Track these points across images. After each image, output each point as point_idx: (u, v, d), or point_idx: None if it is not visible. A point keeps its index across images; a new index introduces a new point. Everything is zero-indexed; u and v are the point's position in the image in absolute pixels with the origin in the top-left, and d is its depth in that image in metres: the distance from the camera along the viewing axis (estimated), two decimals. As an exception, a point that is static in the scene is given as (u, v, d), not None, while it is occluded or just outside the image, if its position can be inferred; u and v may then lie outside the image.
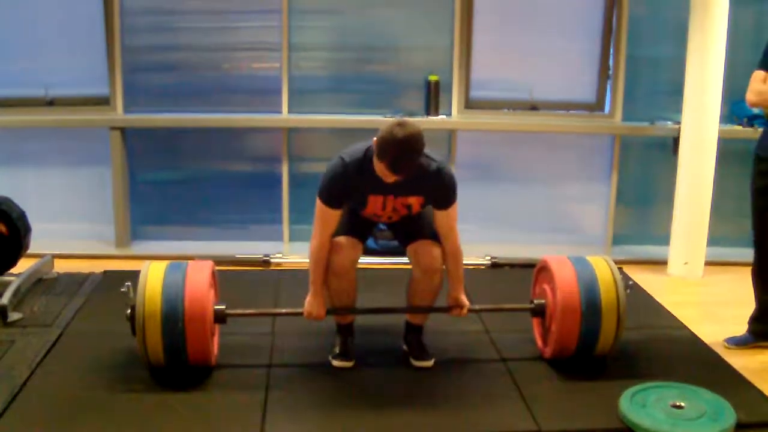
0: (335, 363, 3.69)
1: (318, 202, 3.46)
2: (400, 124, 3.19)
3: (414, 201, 3.49)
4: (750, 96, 3.85)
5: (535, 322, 3.93)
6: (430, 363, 3.72)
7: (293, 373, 3.66)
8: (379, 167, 3.25)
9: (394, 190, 3.39)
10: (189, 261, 3.67)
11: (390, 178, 3.25)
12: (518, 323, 4.05)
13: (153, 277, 3.47)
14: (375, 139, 3.24)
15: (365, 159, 3.35)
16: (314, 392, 3.46)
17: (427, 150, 3.31)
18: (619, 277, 3.68)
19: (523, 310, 3.87)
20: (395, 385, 3.56)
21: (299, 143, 5.78)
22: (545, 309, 3.76)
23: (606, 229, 5.93)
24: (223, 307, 3.62)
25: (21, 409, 3.21)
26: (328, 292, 3.62)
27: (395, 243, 3.80)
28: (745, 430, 3.15)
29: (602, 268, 3.71)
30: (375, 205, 3.49)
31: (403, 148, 3.16)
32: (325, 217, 3.47)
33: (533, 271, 3.97)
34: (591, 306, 3.59)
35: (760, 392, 3.50)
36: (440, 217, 3.52)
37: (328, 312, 3.62)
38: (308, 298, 3.58)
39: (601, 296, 3.60)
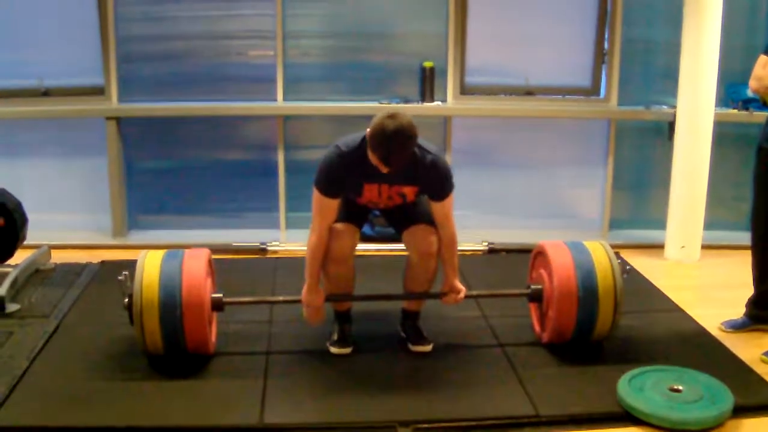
0: (333, 350, 3.69)
1: (315, 192, 3.44)
2: (391, 117, 3.17)
3: (408, 190, 3.50)
4: (750, 81, 3.83)
5: (533, 308, 3.94)
6: (428, 348, 3.73)
7: (292, 360, 3.66)
8: (373, 159, 3.25)
9: (388, 179, 3.38)
10: (186, 249, 3.67)
11: (384, 169, 3.26)
12: (515, 308, 4.05)
13: (150, 266, 3.47)
14: (368, 130, 3.24)
15: (362, 148, 3.34)
16: (313, 379, 3.47)
17: (422, 141, 3.31)
18: (615, 261, 3.68)
19: (520, 295, 3.88)
20: (393, 371, 3.57)
21: (295, 131, 5.77)
22: (542, 294, 3.76)
23: (602, 213, 5.93)
24: (221, 295, 3.63)
25: (20, 400, 3.21)
26: (327, 278, 3.62)
27: (392, 229, 3.80)
28: (742, 414, 3.15)
29: (599, 252, 3.72)
30: (371, 192, 3.49)
31: (394, 141, 3.16)
32: (323, 207, 3.46)
33: (530, 256, 3.97)
34: (588, 291, 3.59)
35: (757, 375, 3.51)
36: (436, 207, 3.52)
37: (326, 299, 3.62)
38: (304, 291, 3.58)
39: (598, 281, 3.60)
